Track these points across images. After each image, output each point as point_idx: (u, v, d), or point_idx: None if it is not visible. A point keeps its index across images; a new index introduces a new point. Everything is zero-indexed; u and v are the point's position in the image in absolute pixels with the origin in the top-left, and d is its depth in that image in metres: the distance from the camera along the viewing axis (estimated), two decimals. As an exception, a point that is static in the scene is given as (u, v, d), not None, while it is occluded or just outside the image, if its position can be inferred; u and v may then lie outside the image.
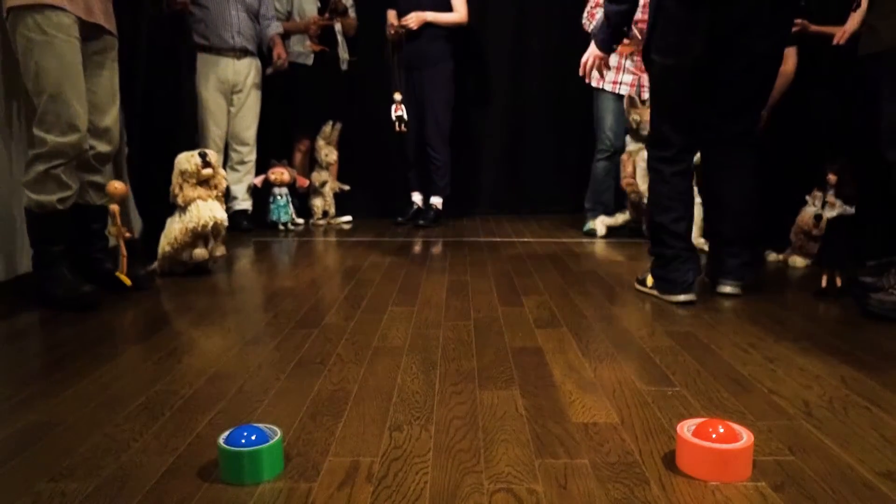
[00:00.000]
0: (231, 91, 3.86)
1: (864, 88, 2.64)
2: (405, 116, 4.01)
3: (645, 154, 3.54)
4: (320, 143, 4.17)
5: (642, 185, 3.54)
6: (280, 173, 4.01)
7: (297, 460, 1.15)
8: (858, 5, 2.66)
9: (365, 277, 2.67)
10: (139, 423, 1.31)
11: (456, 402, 1.40)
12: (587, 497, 1.03)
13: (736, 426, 1.12)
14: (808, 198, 2.84)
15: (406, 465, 1.13)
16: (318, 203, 4.22)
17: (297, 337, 1.88)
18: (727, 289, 2.33)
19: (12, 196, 2.36)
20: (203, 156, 2.66)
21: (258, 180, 4.05)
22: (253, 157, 4.06)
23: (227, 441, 1.10)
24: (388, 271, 2.79)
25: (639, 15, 3.22)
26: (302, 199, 4.23)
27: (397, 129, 4.03)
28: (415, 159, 4.28)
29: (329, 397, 1.43)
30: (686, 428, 1.13)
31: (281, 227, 4.04)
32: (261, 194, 4.10)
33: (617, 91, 3.77)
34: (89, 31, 2.24)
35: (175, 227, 2.65)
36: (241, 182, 4.03)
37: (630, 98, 3.57)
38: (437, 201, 4.28)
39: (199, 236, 2.66)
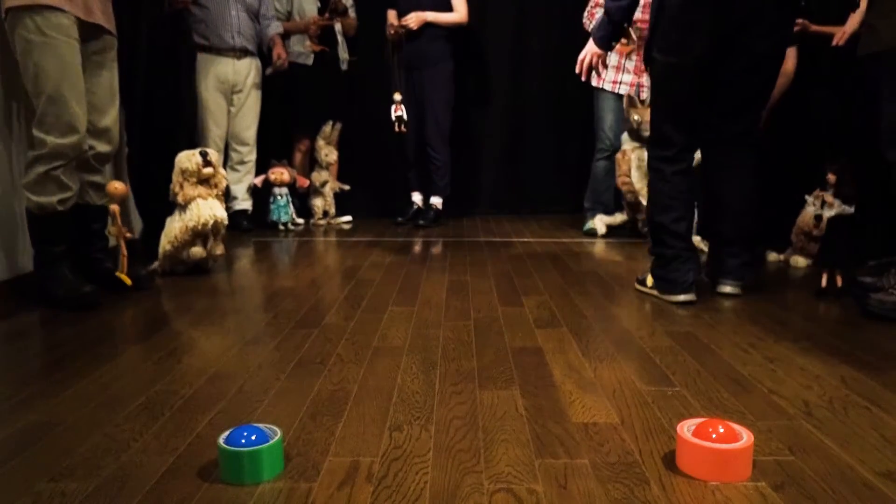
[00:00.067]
0: (231, 91, 3.86)
1: (864, 88, 2.64)
2: (405, 117, 4.00)
3: (640, 152, 3.57)
4: (320, 143, 4.17)
5: (637, 183, 3.55)
6: (280, 173, 4.01)
7: (297, 460, 1.15)
8: (858, 6, 2.66)
9: (365, 277, 2.67)
10: (139, 423, 1.31)
11: (456, 402, 1.40)
12: (587, 497, 1.03)
13: (736, 426, 1.12)
14: (807, 197, 2.84)
15: (406, 465, 1.13)
16: (318, 203, 4.22)
17: (297, 337, 1.88)
18: (727, 289, 2.33)
19: (13, 196, 2.35)
20: (204, 155, 2.67)
21: (258, 180, 4.05)
22: (253, 157, 4.06)
23: (227, 441, 1.10)
24: (388, 271, 2.79)
25: (638, 14, 3.22)
26: (302, 199, 4.23)
27: (397, 129, 4.02)
28: (415, 159, 4.28)
29: (329, 397, 1.43)
30: (686, 428, 1.13)
31: (281, 227, 4.04)
32: (261, 194, 4.10)
33: (616, 91, 3.77)
34: (89, 32, 2.24)
35: (175, 226, 2.65)
36: (241, 182, 4.03)
37: (630, 97, 3.57)
38: (437, 201, 4.28)
39: (200, 235, 2.67)
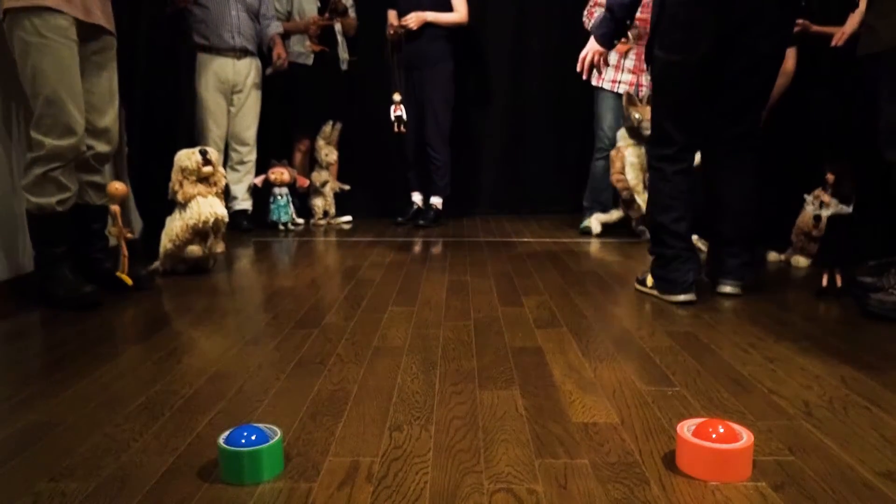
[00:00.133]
0: (231, 91, 3.86)
1: (864, 88, 2.64)
2: (404, 117, 4.01)
3: (633, 149, 3.58)
4: (320, 143, 4.17)
5: (633, 180, 3.56)
6: (280, 173, 4.01)
7: (297, 460, 1.15)
8: (857, 6, 2.66)
9: (365, 277, 2.67)
10: (139, 423, 1.31)
11: (456, 402, 1.40)
12: (587, 497, 1.03)
13: (736, 426, 1.12)
14: (806, 197, 2.85)
15: (406, 465, 1.13)
16: (318, 203, 4.22)
17: (297, 337, 1.88)
18: (727, 289, 2.33)
19: (13, 196, 2.36)
20: (203, 153, 2.67)
21: (258, 180, 4.05)
22: (253, 157, 4.06)
23: (227, 441, 1.10)
24: (388, 271, 2.79)
25: (637, 13, 3.22)
26: (302, 199, 4.23)
27: (396, 129, 4.03)
28: (415, 159, 4.28)
29: (329, 397, 1.43)
30: (686, 428, 1.13)
31: (281, 227, 4.04)
32: (261, 194, 4.10)
33: (616, 90, 3.77)
34: (88, 32, 2.24)
35: (176, 224, 2.66)
36: (241, 182, 4.03)
37: (629, 95, 3.58)
38: (437, 201, 4.28)
39: (200, 233, 2.67)
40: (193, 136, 3.68)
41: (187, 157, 2.67)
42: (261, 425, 1.14)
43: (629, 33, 3.46)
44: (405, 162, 4.34)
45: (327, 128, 4.16)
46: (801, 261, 2.87)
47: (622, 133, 3.66)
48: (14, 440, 1.25)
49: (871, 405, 1.38)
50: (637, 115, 3.51)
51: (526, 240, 3.67)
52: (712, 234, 2.47)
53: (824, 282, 2.35)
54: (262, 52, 4.00)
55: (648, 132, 3.40)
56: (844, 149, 2.93)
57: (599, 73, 2.56)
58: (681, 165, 2.25)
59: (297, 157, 4.34)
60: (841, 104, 3.06)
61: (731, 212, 2.31)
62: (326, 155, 4.18)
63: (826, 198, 2.77)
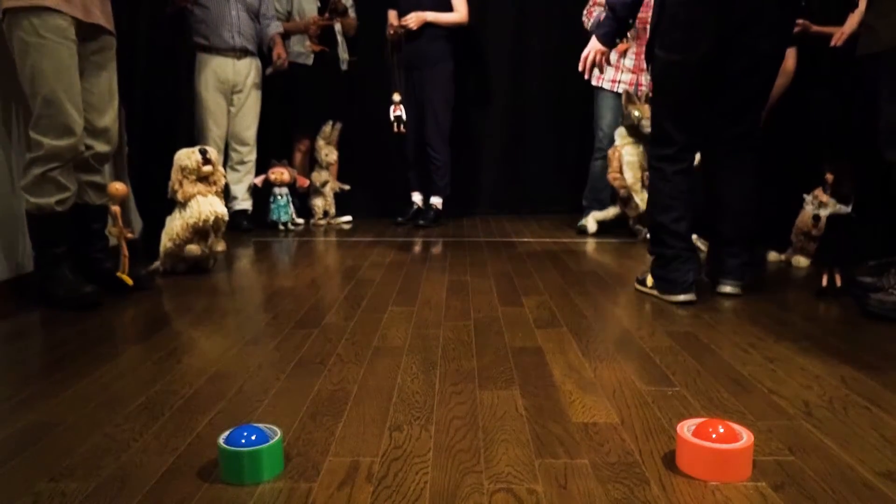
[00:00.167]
0: (231, 91, 3.86)
1: (864, 88, 2.64)
2: (404, 117, 4.01)
3: (630, 147, 3.59)
4: (320, 143, 4.17)
5: (629, 179, 3.57)
6: (280, 173, 4.01)
7: (297, 460, 1.15)
8: (857, 6, 2.66)
9: (365, 277, 2.67)
10: (139, 423, 1.31)
11: (456, 402, 1.40)
12: (587, 497, 1.03)
13: (736, 426, 1.12)
14: (805, 197, 2.85)
15: (406, 465, 1.13)
16: (318, 203, 4.22)
17: (297, 337, 1.88)
18: (727, 289, 2.33)
19: (14, 195, 2.35)
20: (203, 152, 2.68)
21: (258, 180, 4.05)
22: (253, 157, 4.06)
23: (227, 441, 1.10)
24: (388, 271, 2.79)
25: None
26: (302, 199, 4.23)
27: (396, 129, 4.04)
28: (415, 159, 4.28)
29: (329, 397, 1.43)
30: (686, 428, 1.13)
31: (281, 227, 4.04)
32: (261, 194, 4.10)
33: (615, 89, 3.78)
34: (88, 32, 2.24)
35: (176, 223, 2.66)
36: (241, 182, 4.03)
37: (628, 93, 3.58)
38: (437, 201, 4.28)
39: (200, 231, 2.67)
40: (193, 135, 3.68)
41: (187, 157, 2.67)
42: (261, 425, 1.14)
43: (627, 32, 3.46)
44: (405, 162, 4.34)
45: (327, 128, 4.16)
46: (801, 261, 2.87)
47: (620, 131, 3.67)
48: (14, 440, 1.25)
49: (871, 405, 1.38)
50: (637, 113, 3.51)
51: (526, 240, 3.67)
52: (712, 234, 2.47)
53: (824, 282, 2.35)
54: (263, 52, 4.00)
55: (648, 130, 3.42)
56: (844, 149, 2.93)
57: (602, 72, 2.56)
58: (681, 165, 2.25)
59: (297, 157, 4.34)
60: (841, 104, 3.06)
61: (731, 212, 2.31)
62: (326, 155, 4.18)
63: (824, 198, 2.78)
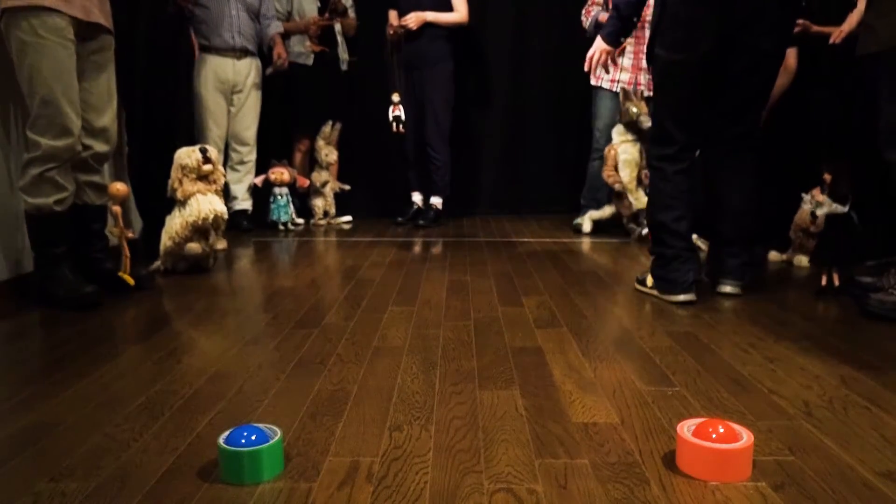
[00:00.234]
0: (231, 91, 3.86)
1: (864, 88, 2.64)
2: (403, 117, 4.02)
3: (626, 146, 3.60)
4: (320, 143, 4.17)
5: (625, 178, 3.58)
6: (280, 173, 4.01)
7: (297, 460, 1.15)
8: (857, 5, 2.67)
9: (365, 277, 2.67)
10: (139, 423, 1.31)
11: (456, 402, 1.40)
12: (587, 497, 1.03)
13: (736, 426, 1.12)
14: (804, 196, 2.85)
15: (406, 465, 1.13)
16: (318, 203, 4.22)
17: (297, 337, 1.88)
18: (727, 289, 2.33)
19: (13, 195, 2.36)
20: (203, 151, 2.69)
21: (258, 180, 4.05)
22: (253, 157, 4.06)
23: (227, 441, 1.10)
24: (388, 271, 2.79)
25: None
26: (302, 199, 4.23)
27: (394, 129, 4.04)
28: (415, 159, 4.28)
29: (329, 397, 1.43)
30: (686, 428, 1.13)
31: (281, 227, 4.04)
32: (261, 194, 4.10)
33: (614, 89, 3.78)
34: (87, 31, 2.24)
35: (176, 222, 2.67)
36: (242, 182, 4.03)
37: (625, 91, 3.59)
38: (437, 201, 4.28)
39: (200, 229, 2.68)
40: (193, 135, 3.68)
41: (187, 155, 2.68)
42: (261, 425, 1.14)
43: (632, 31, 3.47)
44: (405, 162, 4.34)
45: (327, 128, 4.16)
46: (802, 260, 2.87)
47: (618, 129, 3.67)
48: (14, 440, 1.25)
49: (871, 405, 1.38)
50: (634, 109, 3.52)
51: (526, 240, 3.67)
52: (712, 233, 2.47)
53: (823, 281, 2.35)
54: (263, 52, 4.00)
55: (647, 125, 3.44)
56: (844, 149, 2.93)
57: (608, 71, 2.56)
58: (681, 165, 2.25)
59: (297, 157, 4.33)
60: (841, 104, 3.06)
61: (730, 212, 2.31)
62: (326, 155, 4.18)
63: (821, 197, 2.78)
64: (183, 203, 2.68)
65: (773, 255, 2.98)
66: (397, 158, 4.43)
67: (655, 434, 1.25)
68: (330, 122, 4.16)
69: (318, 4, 4.21)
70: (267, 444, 1.09)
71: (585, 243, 3.58)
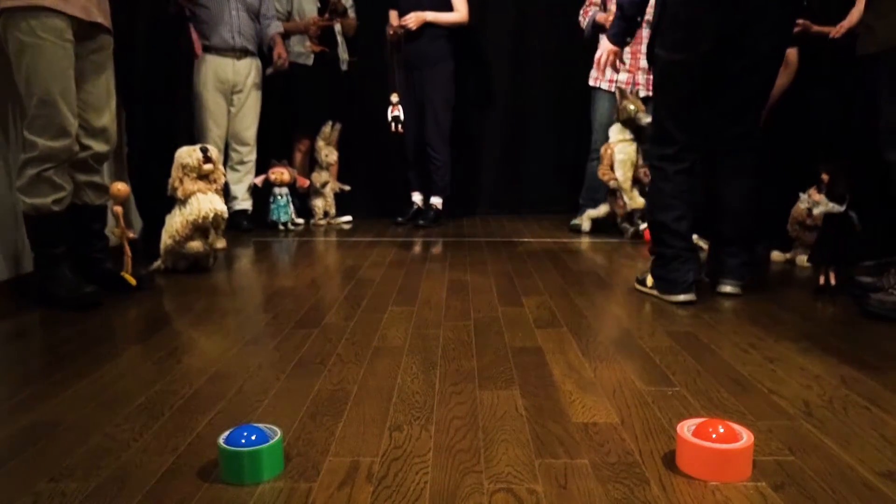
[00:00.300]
0: (231, 91, 3.86)
1: (864, 88, 2.64)
2: (402, 117, 4.02)
3: (622, 146, 3.60)
4: (320, 143, 4.17)
5: (620, 177, 3.59)
6: (280, 173, 4.01)
7: (297, 460, 1.15)
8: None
9: (365, 277, 2.67)
10: (139, 423, 1.31)
11: (456, 402, 1.40)
12: (587, 497, 1.03)
13: (736, 426, 1.12)
14: (801, 195, 2.86)
15: (406, 465, 1.13)
16: (318, 203, 4.22)
17: (297, 337, 1.88)
18: (727, 288, 2.33)
19: (13, 195, 2.35)
20: (204, 150, 2.71)
21: (258, 180, 4.05)
22: (253, 157, 4.06)
23: (227, 441, 1.10)
24: (388, 271, 2.79)
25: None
26: (302, 199, 4.23)
27: (393, 129, 4.04)
28: (415, 159, 4.28)
29: (329, 397, 1.43)
30: (686, 428, 1.13)
31: (281, 227, 4.04)
32: (261, 194, 4.10)
33: (613, 90, 3.78)
34: (87, 31, 2.24)
35: (176, 221, 2.68)
36: (241, 182, 4.03)
37: (620, 90, 3.60)
38: (437, 201, 4.28)
39: (200, 228, 2.68)
40: (193, 135, 3.68)
41: (188, 154, 2.69)
42: (261, 425, 1.14)
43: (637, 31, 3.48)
44: (405, 162, 4.35)
45: (327, 128, 4.16)
46: (804, 260, 2.87)
47: (615, 128, 3.68)
48: (14, 440, 1.25)
49: (871, 405, 1.38)
50: (632, 107, 3.54)
51: (526, 240, 3.67)
52: (712, 233, 2.47)
53: (821, 280, 2.36)
54: (263, 52, 4.00)
55: (645, 121, 3.45)
56: (844, 149, 2.93)
57: (617, 71, 2.59)
58: (682, 165, 2.25)
59: (298, 157, 4.33)
60: (841, 104, 3.06)
61: (730, 211, 2.31)
62: (326, 156, 4.18)
63: (818, 196, 2.78)
64: (184, 202, 2.69)
65: (776, 255, 2.98)
66: (397, 158, 4.43)
67: (655, 434, 1.25)
68: (330, 123, 4.16)
69: (318, 4, 4.21)
70: (267, 444, 1.09)
71: (585, 243, 3.58)
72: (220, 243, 2.82)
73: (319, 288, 2.51)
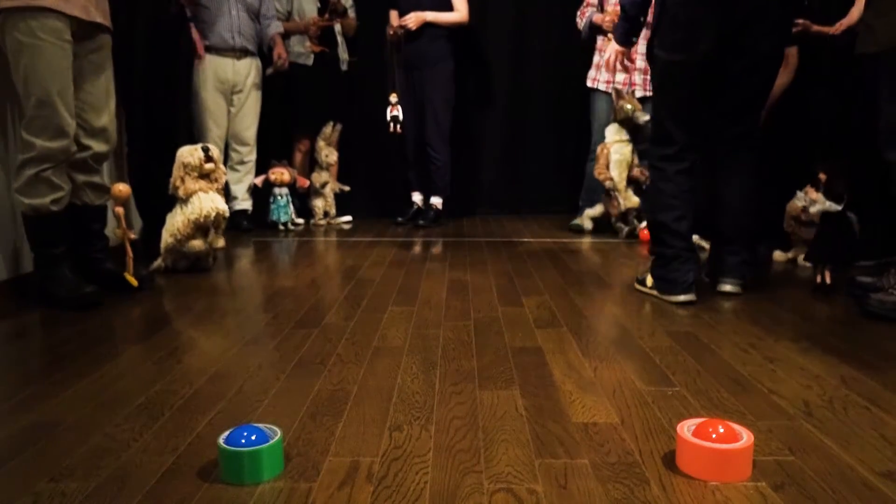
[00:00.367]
0: (231, 91, 3.86)
1: (864, 88, 2.64)
2: (400, 117, 4.02)
3: (618, 146, 3.61)
4: (320, 143, 4.17)
5: (616, 177, 3.59)
6: (280, 173, 4.01)
7: (297, 460, 1.15)
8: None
9: (365, 277, 2.67)
10: (139, 423, 1.31)
11: (456, 402, 1.40)
12: (587, 497, 1.03)
13: (736, 426, 1.12)
14: (798, 193, 2.86)
15: (406, 465, 1.13)
16: (319, 204, 4.22)
17: (297, 337, 1.88)
18: (727, 287, 2.33)
19: (13, 195, 2.35)
20: (206, 150, 2.72)
21: (258, 180, 4.05)
22: (253, 157, 4.06)
23: (227, 441, 1.10)
24: (388, 271, 2.79)
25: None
26: (302, 200, 4.23)
27: (391, 129, 4.04)
28: (415, 159, 4.28)
29: (329, 397, 1.43)
30: (686, 428, 1.13)
31: (281, 227, 4.04)
32: (261, 194, 4.10)
33: (609, 90, 3.78)
34: (86, 31, 2.23)
35: (177, 219, 2.69)
36: (242, 182, 4.03)
37: (617, 90, 3.60)
38: (437, 201, 4.28)
39: (201, 227, 2.69)
40: (193, 135, 3.68)
41: (190, 154, 2.70)
42: (261, 425, 1.14)
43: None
44: (405, 162, 4.34)
45: (327, 129, 4.16)
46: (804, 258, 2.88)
47: (611, 128, 3.68)
48: (14, 440, 1.25)
49: (871, 405, 1.38)
50: (629, 106, 3.55)
51: (526, 240, 3.67)
52: (713, 233, 2.47)
53: (818, 279, 2.36)
54: (263, 52, 4.00)
55: (643, 119, 3.45)
56: (843, 148, 2.93)
57: (627, 71, 2.61)
58: (682, 165, 2.25)
59: (298, 157, 4.33)
60: (841, 104, 3.06)
61: (731, 211, 2.31)
62: (326, 156, 4.18)
63: (815, 195, 2.78)
64: (185, 201, 2.69)
65: (778, 255, 2.98)
66: (397, 158, 4.43)
67: (655, 434, 1.25)
68: (331, 123, 4.16)
69: (318, 4, 4.21)
70: (267, 444, 1.09)
71: (585, 243, 3.58)
72: (220, 242, 2.82)
73: (319, 288, 2.51)
